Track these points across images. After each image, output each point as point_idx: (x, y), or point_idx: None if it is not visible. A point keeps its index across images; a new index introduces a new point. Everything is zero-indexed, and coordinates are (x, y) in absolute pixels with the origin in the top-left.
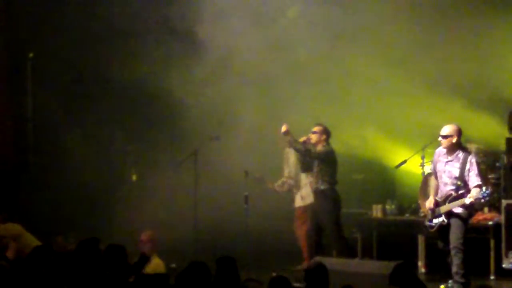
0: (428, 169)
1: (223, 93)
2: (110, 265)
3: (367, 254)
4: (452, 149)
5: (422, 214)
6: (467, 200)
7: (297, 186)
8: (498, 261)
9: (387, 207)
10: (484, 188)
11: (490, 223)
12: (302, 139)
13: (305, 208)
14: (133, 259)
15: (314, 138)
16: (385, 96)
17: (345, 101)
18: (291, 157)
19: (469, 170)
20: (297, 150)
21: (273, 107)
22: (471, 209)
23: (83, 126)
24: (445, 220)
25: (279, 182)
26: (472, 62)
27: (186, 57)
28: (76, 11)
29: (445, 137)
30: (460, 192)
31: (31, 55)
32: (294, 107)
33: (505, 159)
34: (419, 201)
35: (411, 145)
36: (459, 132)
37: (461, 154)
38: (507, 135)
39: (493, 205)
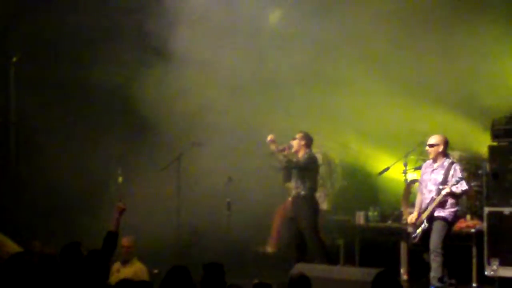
0: (410, 176)
1: (206, 100)
2: (91, 269)
3: (349, 261)
4: (438, 157)
5: (404, 221)
6: (445, 191)
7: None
8: (481, 268)
9: (370, 214)
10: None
11: (473, 230)
12: (282, 146)
13: None
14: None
15: (294, 145)
16: (368, 104)
17: (328, 109)
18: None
19: (452, 175)
20: (279, 161)
21: (256, 115)
22: (454, 213)
23: (66, 131)
24: (426, 224)
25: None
26: (455, 71)
27: (166, 64)
28: (59, 17)
29: (431, 145)
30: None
31: (14, 59)
32: (277, 115)
33: (487, 166)
34: (402, 208)
35: (393, 152)
36: (446, 142)
37: (446, 162)
38: (490, 142)
39: (476, 212)
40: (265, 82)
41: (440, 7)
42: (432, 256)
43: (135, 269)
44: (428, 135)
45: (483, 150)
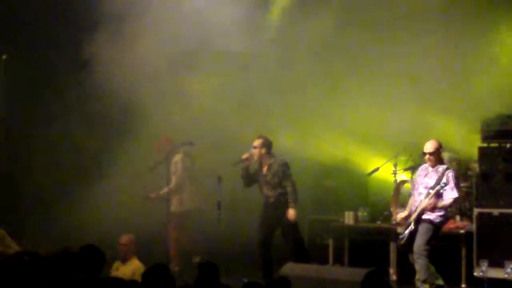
0: (400, 177)
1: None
2: (85, 267)
3: (339, 260)
4: (435, 164)
5: (394, 222)
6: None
7: (179, 191)
8: (470, 269)
9: (359, 214)
10: (446, 202)
11: (462, 231)
12: (245, 156)
13: (180, 214)
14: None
15: (255, 154)
16: (358, 104)
17: (318, 109)
18: (180, 166)
19: (445, 183)
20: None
21: (248, 115)
22: (442, 217)
23: (55, 129)
24: (413, 227)
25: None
26: (444, 71)
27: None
28: (49, 14)
29: (431, 153)
30: (430, 200)
31: (4, 57)
32: (267, 115)
33: (477, 167)
34: (391, 209)
35: (383, 152)
36: (440, 147)
37: (440, 168)
38: (480, 144)
39: (465, 213)
40: (259, 83)
41: (428, 9)
42: (415, 257)
43: (133, 268)
44: (418, 135)
45: (473, 151)
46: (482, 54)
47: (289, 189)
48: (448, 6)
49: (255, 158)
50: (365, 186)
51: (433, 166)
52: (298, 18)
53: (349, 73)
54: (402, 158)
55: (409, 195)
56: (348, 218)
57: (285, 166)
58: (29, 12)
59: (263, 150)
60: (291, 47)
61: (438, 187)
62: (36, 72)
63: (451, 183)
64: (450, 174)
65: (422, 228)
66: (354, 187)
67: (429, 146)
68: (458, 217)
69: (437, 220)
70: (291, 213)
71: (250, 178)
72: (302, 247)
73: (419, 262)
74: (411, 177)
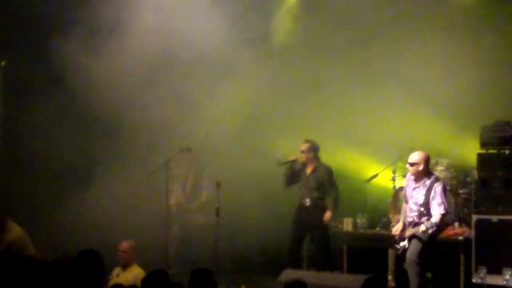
0: (399, 183)
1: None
2: (84, 272)
3: (337, 267)
4: (419, 176)
5: (392, 228)
6: (421, 228)
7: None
8: (468, 276)
9: (358, 220)
10: (433, 220)
11: (461, 238)
12: (292, 158)
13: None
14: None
15: (303, 157)
16: (357, 110)
17: (316, 116)
18: None
19: (432, 197)
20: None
21: (246, 121)
22: (432, 233)
23: (54, 135)
24: (407, 245)
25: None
26: (443, 77)
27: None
28: (48, 19)
29: (412, 164)
30: (422, 219)
31: (3, 63)
32: (265, 122)
33: (476, 174)
34: (390, 215)
35: (382, 159)
36: (427, 160)
37: (428, 182)
38: (479, 150)
39: (464, 220)
40: (259, 89)
41: (426, 14)
42: (407, 266)
43: (134, 274)
44: (417, 141)
45: (472, 158)
46: (483, 60)
47: (333, 195)
48: (455, 14)
49: (302, 160)
50: (364, 192)
51: (417, 178)
52: (297, 22)
53: (348, 80)
54: (401, 164)
55: (404, 201)
56: (347, 224)
57: (331, 173)
58: (28, 18)
59: (311, 154)
60: (289, 53)
61: (427, 225)
62: (35, 79)
63: (438, 198)
64: (437, 188)
65: (413, 242)
66: (353, 194)
67: (413, 156)
68: (456, 224)
69: (427, 238)
70: (328, 215)
71: (293, 178)
72: (328, 254)
73: (412, 270)
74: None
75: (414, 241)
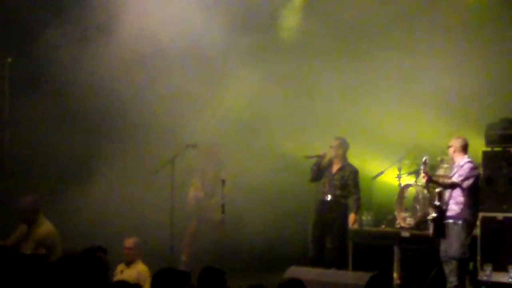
0: (404, 180)
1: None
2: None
3: (343, 264)
4: (455, 158)
5: (398, 226)
6: None
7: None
8: (474, 273)
9: (364, 218)
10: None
11: None
12: (321, 153)
13: None
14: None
15: (332, 152)
16: (362, 108)
17: (322, 113)
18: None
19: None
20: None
21: (252, 116)
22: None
23: (60, 133)
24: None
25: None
26: (449, 75)
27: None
28: (53, 17)
29: (449, 147)
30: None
31: (9, 60)
32: (272, 119)
33: (481, 172)
34: (395, 213)
35: (388, 156)
36: (461, 144)
37: (462, 162)
38: (484, 148)
39: None
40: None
41: (430, 12)
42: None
43: (138, 271)
44: (422, 139)
45: (477, 156)
46: (485, 56)
47: (355, 196)
48: (459, 11)
49: (329, 156)
50: (370, 190)
51: (453, 159)
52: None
53: (353, 78)
54: (406, 162)
55: None
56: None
57: (357, 174)
58: (33, 16)
59: (340, 151)
60: (295, 49)
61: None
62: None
63: (461, 171)
64: (467, 165)
65: (452, 231)
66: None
67: (452, 140)
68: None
69: (468, 218)
70: (352, 217)
71: (319, 174)
72: (344, 254)
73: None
74: (415, 181)
75: (454, 233)
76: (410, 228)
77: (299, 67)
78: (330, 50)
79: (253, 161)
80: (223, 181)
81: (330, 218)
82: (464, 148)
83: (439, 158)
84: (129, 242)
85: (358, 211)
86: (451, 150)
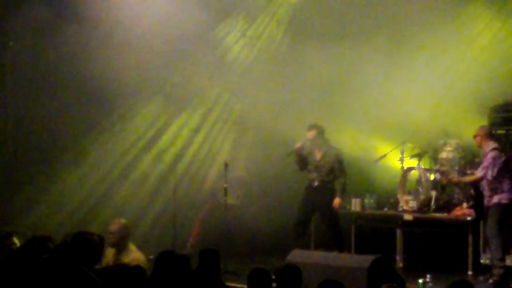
0: (407, 164)
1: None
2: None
3: (345, 247)
4: (482, 146)
5: (400, 209)
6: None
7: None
8: (476, 256)
9: (366, 201)
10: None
11: (469, 218)
12: (297, 146)
13: None
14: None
15: (311, 146)
16: (364, 91)
17: (324, 97)
18: None
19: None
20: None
21: (256, 103)
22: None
23: (61, 131)
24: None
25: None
26: (453, 58)
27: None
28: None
29: (474, 136)
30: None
31: (11, 43)
32: (273, 103)
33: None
34: (398, 196)
35: (390, 139)
36: (484, 132)
37: (488, 149)
38: None
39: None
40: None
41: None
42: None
43: (131, 256)
44: (425, 122)
45: None
46: (486, 40)
47: (342, 180)
48: None
49: (308, 147)
50: (372, 173)
51: (481, 148)
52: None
53: (355, 61)
54: (409, 145)
55: None
56: (355, 205)
57: (341, 158)
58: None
59: (318, 140)
60: (300, 38)
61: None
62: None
63: (484, 163)
64: (489, 154)
65: (491, 210)
66: (361, 174)
67: (476, 130)
68: (465, 205)
69: (503, 201)
70: (337, 201)
71: (304, 162)
72: (340, 236)
73: (493, 242)
74: (418, 164)
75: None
76: (413, 211)
77: (300, 51)
78: (337, 34)
79: (255, 145)
80: (226, 165)
81: (318, 203)
82: (490, 135)
83: (442, 141)
84: (112, 227)
85: (343, 194)
86: (477, 139)
